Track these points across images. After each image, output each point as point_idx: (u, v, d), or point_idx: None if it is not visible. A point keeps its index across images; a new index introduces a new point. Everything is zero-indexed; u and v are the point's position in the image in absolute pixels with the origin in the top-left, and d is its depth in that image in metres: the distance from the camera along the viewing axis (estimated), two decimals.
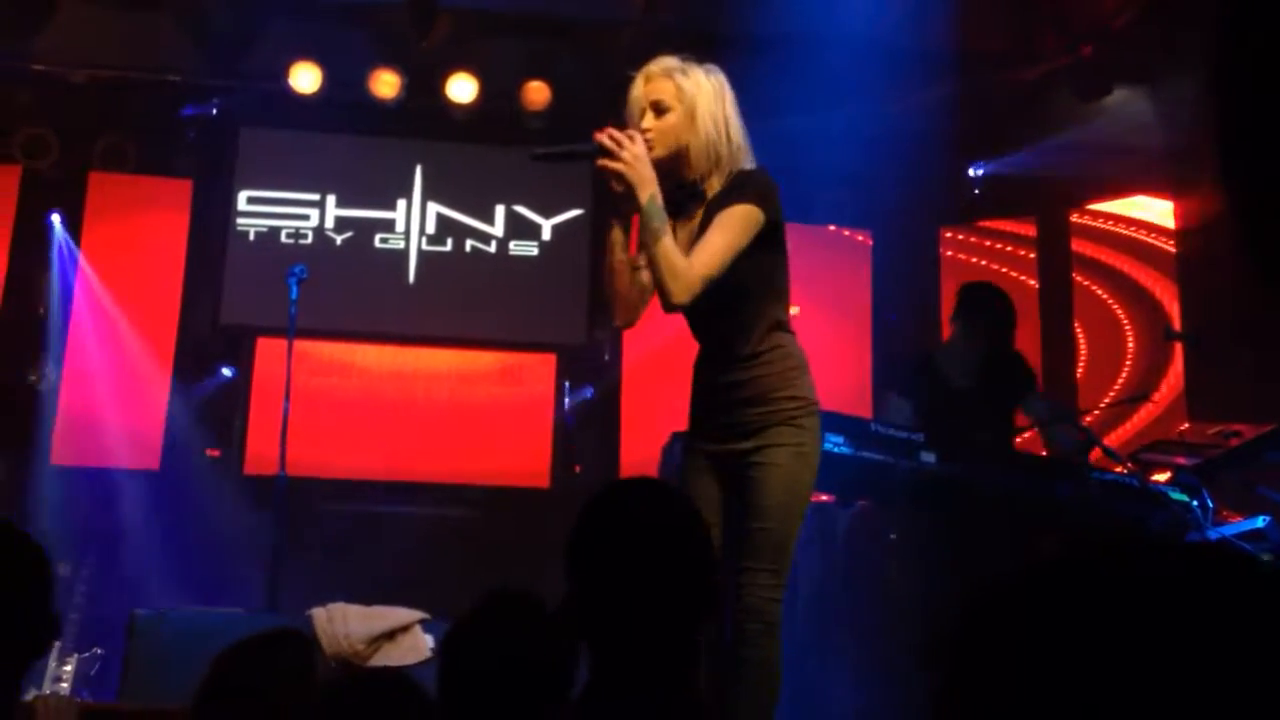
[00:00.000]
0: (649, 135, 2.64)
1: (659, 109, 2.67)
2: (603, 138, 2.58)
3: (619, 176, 2.56)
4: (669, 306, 2.57)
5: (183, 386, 6.30)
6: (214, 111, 6.44)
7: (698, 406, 2.78)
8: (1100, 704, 0.56)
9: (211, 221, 6.52)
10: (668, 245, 2.53)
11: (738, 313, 2.67)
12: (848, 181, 6.44)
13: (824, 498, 4.90)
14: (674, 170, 2.68)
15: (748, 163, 2.71)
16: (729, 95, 2.71)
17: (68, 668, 4.78)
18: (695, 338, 2.81)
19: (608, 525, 1.79)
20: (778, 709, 2.56)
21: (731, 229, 2.56)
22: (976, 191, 6.74)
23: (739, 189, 2.63)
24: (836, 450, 3.44)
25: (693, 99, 2.65)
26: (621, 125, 2.67)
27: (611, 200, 2.66)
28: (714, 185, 2.70)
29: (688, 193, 2.72)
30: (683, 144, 2.66)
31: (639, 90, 2.70)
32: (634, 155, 2.56)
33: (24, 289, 6.33)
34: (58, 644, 4.76)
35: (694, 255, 2.56)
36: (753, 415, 2.64)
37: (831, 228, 6.87)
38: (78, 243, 6.31)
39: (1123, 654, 0.57)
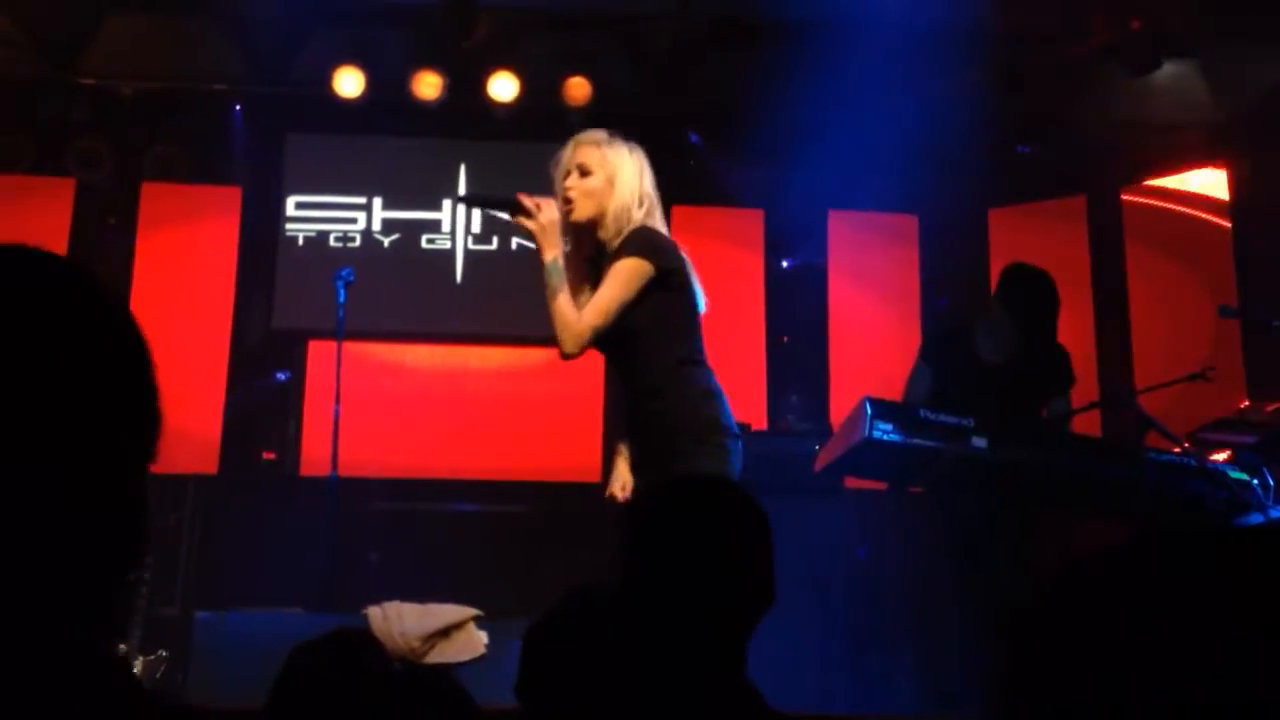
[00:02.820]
0: (572, 193, 2.96)
1: (584, 171, 2.98)
2: (525, 200, 2.91)
3: (531, 234, 2.91)
4: (563, 354, 2.92)
5: (238, 391, 6.39)
6: (261, 119, 6.52)
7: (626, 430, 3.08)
8: (1177, 689, 0.55)
9: (261, 227, 6.61)
10: (562, 300, 2.87)
11: (637, 353, 2.93)
12: (892, 166, 6.38)
13: (876, 485, 4.88)
14: (591, 231, 2.99)
15: (657, 225, 2.99)
16: (647, 171, 3.02)
17: (134, 670, 4.88)
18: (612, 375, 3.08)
19: (676, 523, 1.79)
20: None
21: (618, 282, 2.86)
22: (1024, 172, 6.65)
23: (626, 244, 2.91)
24: (886, 438, 3.42)
25: (614, 167, 2.97)
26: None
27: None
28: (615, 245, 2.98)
29: (604, 254, 3.00)
30: (603, 208, 2.95)
31: (569, 154, 3.01)
32: (548, 219, 2.89)
33: None
34: (122, 647, 4.86)
35: (585, 309, 2.88)
36: (659, 447, 2.87)
37: (877, 213, 6.80)
38: (131, 253, 6.41)
39: (1208, 643, 0.55)
